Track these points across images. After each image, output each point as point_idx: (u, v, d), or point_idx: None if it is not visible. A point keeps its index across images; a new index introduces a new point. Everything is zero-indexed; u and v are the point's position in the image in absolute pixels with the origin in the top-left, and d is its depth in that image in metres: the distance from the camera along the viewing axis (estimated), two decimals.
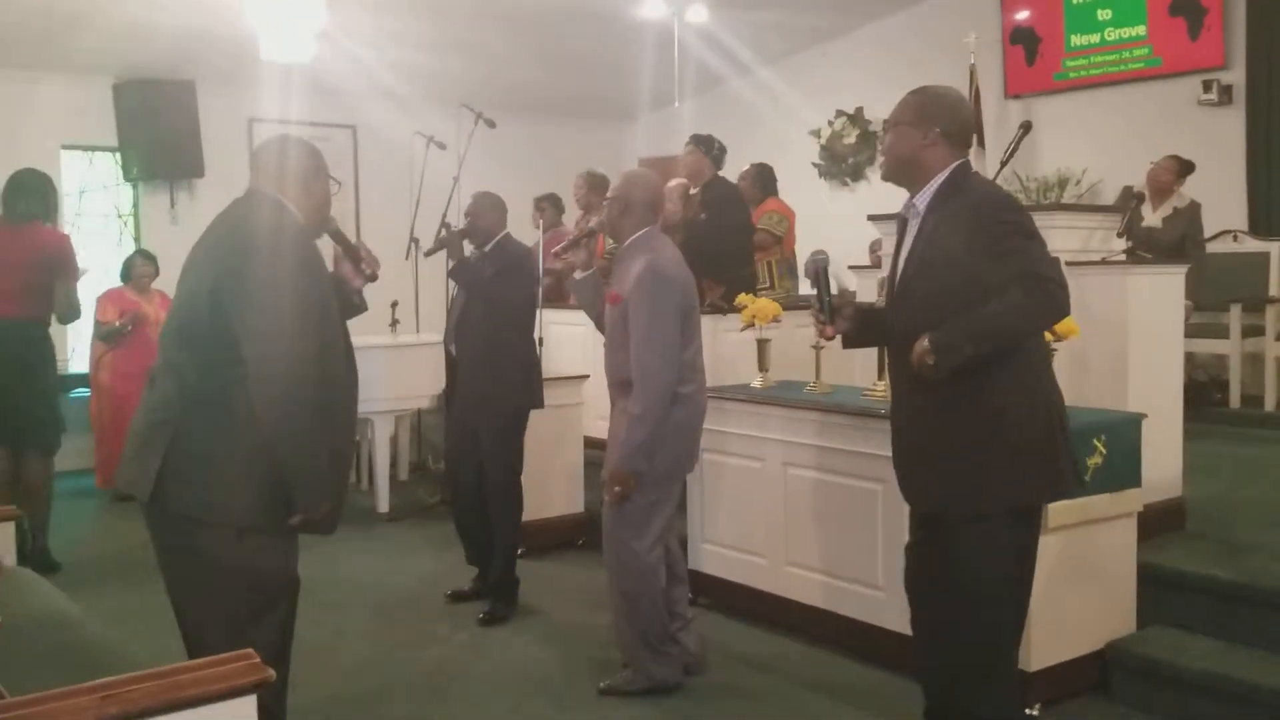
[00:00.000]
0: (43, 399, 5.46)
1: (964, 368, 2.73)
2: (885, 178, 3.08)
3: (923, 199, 2.93)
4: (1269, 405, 6.69)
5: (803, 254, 7.65)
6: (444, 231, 5.23)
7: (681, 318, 3.74)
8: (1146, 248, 5.88)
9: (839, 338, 3.19)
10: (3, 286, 5.26)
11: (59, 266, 5.41)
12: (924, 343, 2.74)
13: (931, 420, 2.89)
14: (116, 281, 7.40)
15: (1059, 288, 2.73)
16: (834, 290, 3.13)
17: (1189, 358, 6.99)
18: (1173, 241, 6.28)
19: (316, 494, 2.79)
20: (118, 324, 6.97)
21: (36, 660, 2.90)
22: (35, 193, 5.51)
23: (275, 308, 2.70)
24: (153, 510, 2.77)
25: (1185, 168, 6.59)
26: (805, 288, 7.89)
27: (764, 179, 7.00)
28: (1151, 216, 6.49)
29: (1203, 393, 7.01)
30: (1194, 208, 6.46)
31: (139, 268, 7.22)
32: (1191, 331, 6.77)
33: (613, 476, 3.78)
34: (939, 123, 2.90)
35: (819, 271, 3.15)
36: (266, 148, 3.03)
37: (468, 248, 5.01)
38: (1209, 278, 6.72)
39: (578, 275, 4.13)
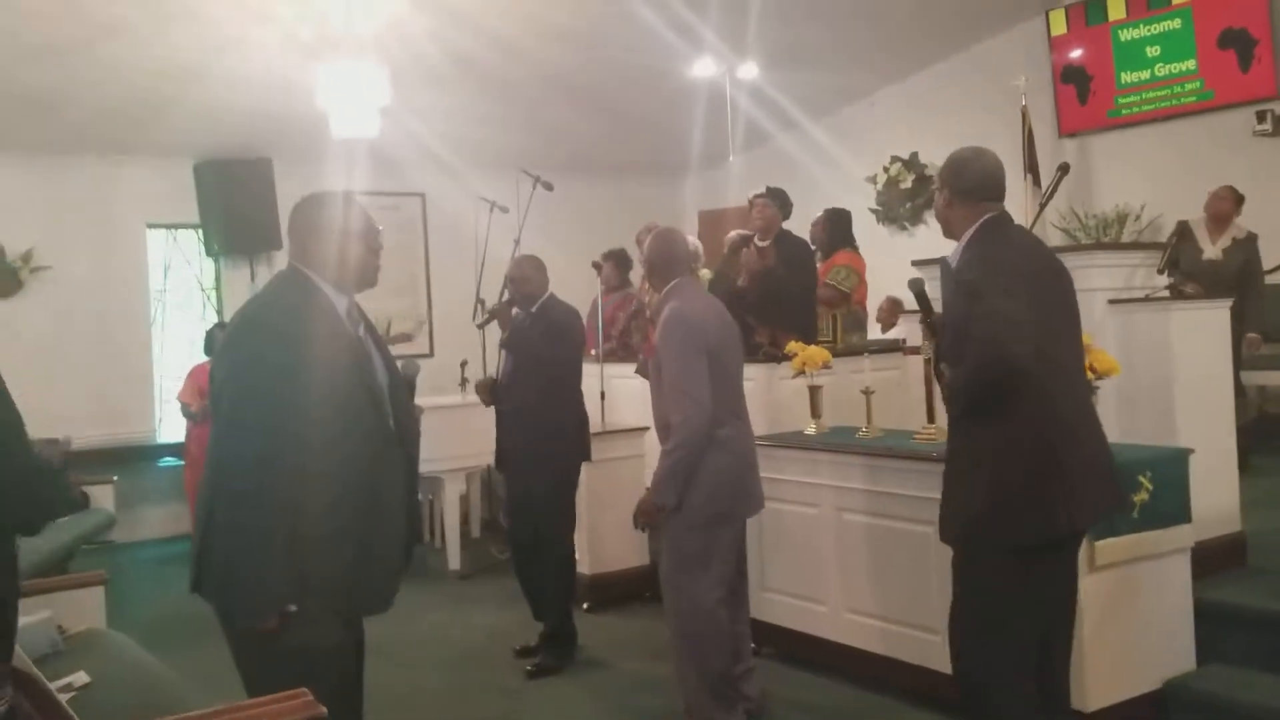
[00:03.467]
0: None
1: (966, 412, 2.99)
2: (945, 235, 3.31)
3: (953, 256, 3.16)
4: None
5: (874, 305, 7.70)
6: (505, 295, 5.41)
7: (710, 359, 3.81)
8: (1211, 281, 5.83)
9: None
10: None
11: None
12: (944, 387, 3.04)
13: (950, 459, 3.15)
14: (201, 354, 7.75)
15: (990, 343, 2.86)
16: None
17: (1259, 391, 6.91)
18: (1234, 273, 6.23)
19: (248, 604, 2.64)
20: (194, 411, 7.25)
21: (127, 716, 3.08)
22: None
23: (241, 396, 2.65)
24: (204, 598, 2.80)
25: (1241, 197, 6.56)
26: (874, 333, 7.94)
27: (836, 227, 6.88)
28: (1212, 249, 6.45)
29: (1276, 426, 6.89)
30: (1252, 239, 6.42)
31: (220, 340, 7.47)
32: (1261, 364, 6.70)
33: (638, 508, 3.91)
34: (948, 184, 3.16)
35: (919, 294, 3.41)
36: (293, 214, 2.95)
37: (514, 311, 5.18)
38: (1273, 309, 6.65)
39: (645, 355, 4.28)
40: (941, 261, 3.21)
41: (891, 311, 8.93)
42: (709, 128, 9.11)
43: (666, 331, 3.84)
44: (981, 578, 3.01)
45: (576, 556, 5.43)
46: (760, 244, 6.29)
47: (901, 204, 9.71)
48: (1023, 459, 2.92)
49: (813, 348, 5.01)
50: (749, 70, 8.45)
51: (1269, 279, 6.78)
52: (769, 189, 6.33)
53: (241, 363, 2.71)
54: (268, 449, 2.60)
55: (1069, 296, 3.12)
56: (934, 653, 4.14)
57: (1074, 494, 2.96)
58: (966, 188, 3.12)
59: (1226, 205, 6.53)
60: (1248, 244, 6.44)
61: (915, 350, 4.50)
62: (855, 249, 6.93)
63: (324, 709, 1.77)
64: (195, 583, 2.77)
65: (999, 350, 2.84)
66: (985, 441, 2.96)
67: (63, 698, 2.91)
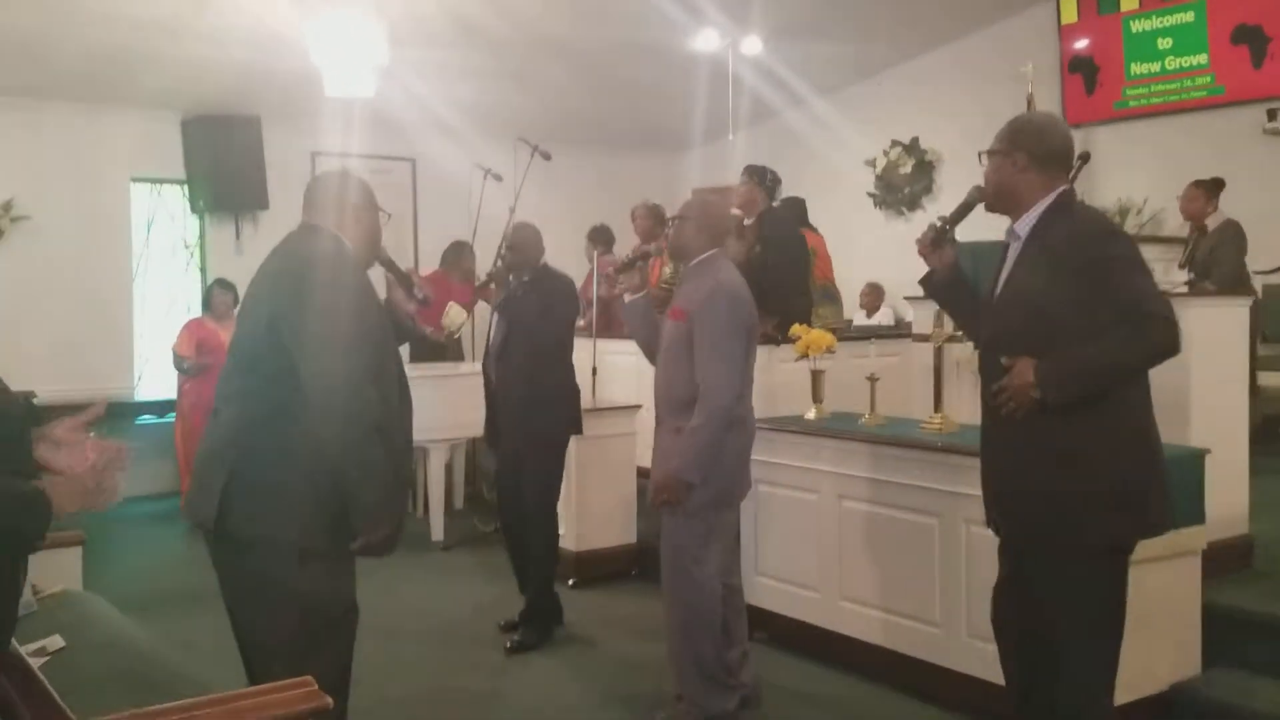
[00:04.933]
0: None
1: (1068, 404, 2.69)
2: (987, 208, 3.02)
3: (1024, 225, 2.89)
4: None
5: (850, 280, 7.62)
6: (499, 264, 5.33)
7: (746, 340, 3.75)
8: (1192, 269, 5.78)
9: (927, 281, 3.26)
10: None
11: None
12: (1028, 375, 2.69)
13: (1024, 455, 2.83)
14: (185, 310, 7.59)
15: (1170, 323, 2.67)
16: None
17: (1259, 391, 6.85)
18: (1203, 259, 6.19)
19: (377, 517, 2.79)
20: (186, 365, 7.17)
21: (101, 683, 2.95)
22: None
23: (332, 333, 2.75)
24: (217, 536, 2.80)
25: (1213, 185, 6.51)
26: (851, 313, 7.87)
27: (789, 211, 6.85)
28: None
29: (1275, 426, 6.85)
30: (1225, 226, 6.36)
31: (218, 297, 7.40)
32: (1261, 365, 6.65)
33: (661, 484, 3.71)
34: (1025, 149, 2.87)
35: (969, 204, 3.05)
36: (319, 183, 3.11)
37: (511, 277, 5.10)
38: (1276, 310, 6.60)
39: (628, 299, 4.10)
40: (1009, 233, 2.91)
41: (873, 296, 8.94)
42: (710, 103, 8.94)
43: (716, 304, 3.71)
44: (1092, 579, 2.79)
45: (562, 532, 5.33)
46: (746, 223, 6.21)
47: (900, 189, 9.60)
48: (1136, 451, 2.75)
49: (817, 331, 4.90)
50: (752, 45, 8.30)
51: (1271, 278, 6.73)
52: (748, 167, 6.31)
53: (318, 305, 2.77)
54: (364, 376, 2.76)
55: None
56: (933, 645, 4.07)
57: (1170, 486, 2.83)
58: (1048, 155, 2.86)
59: (1196, 204, 6.54)
60: (1218, 230, 6.37)
61: (925, 338, 4.38)
62: (810, 228, 6.94)
63: (329, 699, 1.66)
64: (219, 521, 2.76)
65: (1175, 331, 2.65)
66: (1081, 434, 2.71)
67: (35, 663, 2.78)
